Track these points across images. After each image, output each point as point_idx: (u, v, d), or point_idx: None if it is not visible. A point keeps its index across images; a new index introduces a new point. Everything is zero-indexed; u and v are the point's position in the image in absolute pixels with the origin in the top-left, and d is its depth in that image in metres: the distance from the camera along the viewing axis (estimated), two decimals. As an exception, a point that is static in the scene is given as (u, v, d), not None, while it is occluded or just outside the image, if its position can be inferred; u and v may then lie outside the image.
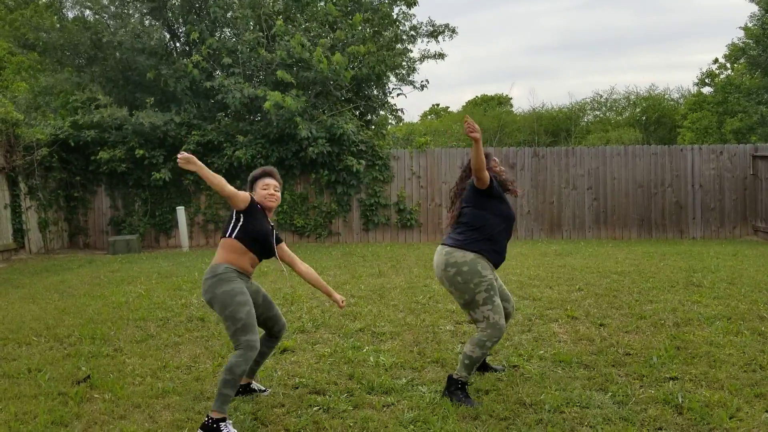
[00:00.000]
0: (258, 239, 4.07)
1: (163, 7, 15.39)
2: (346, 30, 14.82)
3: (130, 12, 15.49)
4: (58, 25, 15.29)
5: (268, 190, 4.17)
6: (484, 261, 4.17)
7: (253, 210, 4.09)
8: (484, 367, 4.66)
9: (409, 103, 58.87)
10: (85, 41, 15.07)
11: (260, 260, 4.20)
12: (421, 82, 18.17)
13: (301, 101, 13.27)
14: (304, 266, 4.30)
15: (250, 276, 4.14)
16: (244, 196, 4.02)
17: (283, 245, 4.33)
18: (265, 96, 13.16)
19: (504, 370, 4.66)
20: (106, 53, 15.17)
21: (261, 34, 14.43)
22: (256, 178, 4.24)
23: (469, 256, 4.15)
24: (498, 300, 4.16)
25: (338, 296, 4.35)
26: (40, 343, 5.68)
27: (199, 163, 3.79)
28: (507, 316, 4.53)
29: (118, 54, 14.85)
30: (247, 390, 4.30)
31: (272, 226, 4.23)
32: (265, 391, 4.35)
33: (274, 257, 4.25)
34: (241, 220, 4.05)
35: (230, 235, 4.04)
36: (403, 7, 17.39)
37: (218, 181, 3.81)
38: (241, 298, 3.87)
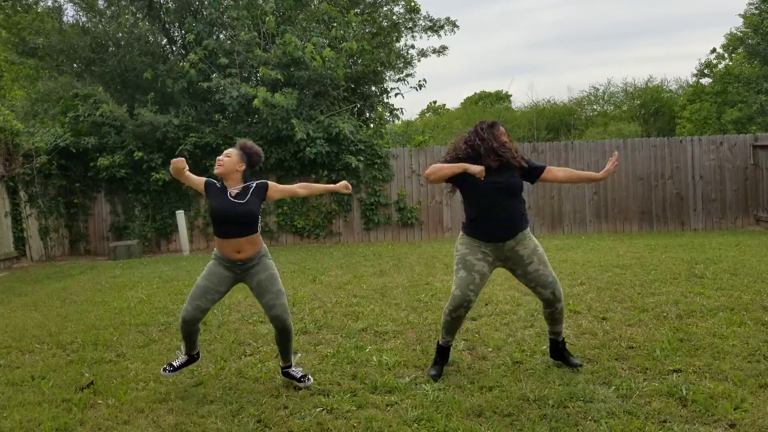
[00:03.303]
0: (214, 219, 4.32)
1: (159, 11, 15.40)
2: (341, 26, 14.81)
3: (127, 16, 15.50)
4: (57, 33, 15.31)
5: (220, 156, 4.39)
6: (465, 238, 4.55)
7: (209, 192, 4.36)
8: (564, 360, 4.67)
9: (407, 102, 58.90)
10: (84, 45, 15.09)
11: (242, 237, 4.29)
12: (419, 81, 18.16)
13: (292, 97, 13.22)
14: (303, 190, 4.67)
15: (236, 262, 4.30)
16: (198, 180, 4.36)
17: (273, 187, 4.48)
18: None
19: (581, 365, 4.59)
20: (104, 55, 15.19)
21: (257, 34, 14.43)
22: None
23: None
24: (461, 273, 4.41)
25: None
26: (43, 350, 5.68)
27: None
28: (545, 302, 4.54)
29: (116, 59, 14.87)
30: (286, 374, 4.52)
31: (239, 200, 4.32)
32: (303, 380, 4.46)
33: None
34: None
35: None
36: (402, 9, 17.46)
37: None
38: (204, 271, 4.37)
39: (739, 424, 3.55)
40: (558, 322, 4.59)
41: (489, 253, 4.45)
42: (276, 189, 4.45)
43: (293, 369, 4.48)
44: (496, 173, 4.43)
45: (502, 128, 4.55)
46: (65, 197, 14.18)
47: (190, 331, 4.38)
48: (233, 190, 4.31)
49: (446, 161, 4.52)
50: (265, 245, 4.49)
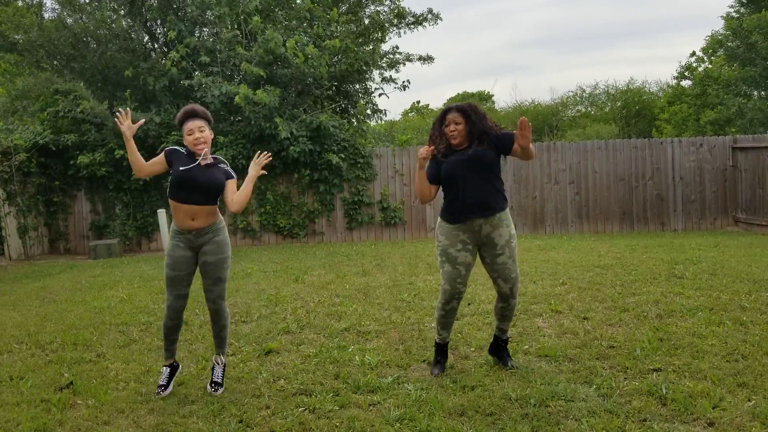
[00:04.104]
0: (176, 183, 4.20)
1: (141, 8, 15.27)
2: (323, 22, 14.78)
3: (108, 12, 15.35)
4: (37, 28, 15.13)
5: (193, 134, 4.24)
6: (443, 225, 4.53)
7: (174, 159, 4.22)
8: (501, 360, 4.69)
9: (391, 102, 58.89)
10: (64, 40, 14.93)
11: (199, 205, 4.22)
12: (403, 82, 18.19)
13: (274, 95, 13.16)
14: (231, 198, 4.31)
15: (190, 231, 4.25)
16: (160, 159, 4.23)
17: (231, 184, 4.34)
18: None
19: (516, 368, 4.59)
20: (84, 52, 15.03)
21: (239, 32, 14.36)
22: (180, 124, 4.32)
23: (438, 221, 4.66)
24: (446, 267, 4.43)
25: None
26: (22, 350, 5.61)
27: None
28: (501, 297, 4.54)
29: (96, 56, 14.72)
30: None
31: (205, 163, 4.24)
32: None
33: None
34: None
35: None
36: (387, 9, 17.47)
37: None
38: (167, 259, 4.31)
39: (717, 422, 3.60)
40: (507, 319, 4.65)
41: (468, 240, 4.43)
42: (231, 189, 4.31)
43: (219, 365, 4.44)
44: (460, 151, 4.41)
45: (450, 115, 4.41)
46: (45, 195, 14.01)
47: (175, 323, 4.35)
48: (203, 160, 4.23)
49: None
50: (223, 220, 4.43)
